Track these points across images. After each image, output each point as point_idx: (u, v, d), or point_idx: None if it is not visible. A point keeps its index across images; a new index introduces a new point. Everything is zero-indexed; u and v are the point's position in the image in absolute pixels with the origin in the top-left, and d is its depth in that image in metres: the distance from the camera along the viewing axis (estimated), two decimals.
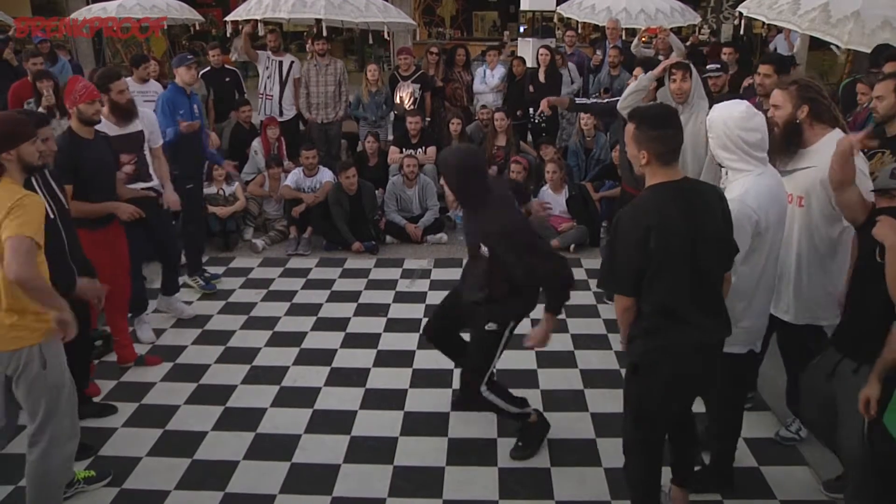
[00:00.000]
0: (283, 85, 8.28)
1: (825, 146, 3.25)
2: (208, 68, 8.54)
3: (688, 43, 10.84)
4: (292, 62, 8.41)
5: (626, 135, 2.86)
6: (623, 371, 4.55)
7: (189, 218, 5.94)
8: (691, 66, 4.57)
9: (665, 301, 2.74)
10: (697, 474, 3.42)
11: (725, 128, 3.01)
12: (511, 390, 3.90)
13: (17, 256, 2.75)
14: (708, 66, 6.35)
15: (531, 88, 8.40)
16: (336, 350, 5.02)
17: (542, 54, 8.37)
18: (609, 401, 4.27)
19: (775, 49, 9.35)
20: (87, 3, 11.02)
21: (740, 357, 3.20)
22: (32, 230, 2.81)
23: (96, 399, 4.32)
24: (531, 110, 8.50)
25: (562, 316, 5.41)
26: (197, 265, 6.14)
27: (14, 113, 3.55)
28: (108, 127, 4.69)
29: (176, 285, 5.57)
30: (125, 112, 4.84)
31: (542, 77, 8.38)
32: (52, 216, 3.40)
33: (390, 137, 8.61)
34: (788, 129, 3.33)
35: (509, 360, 4.65)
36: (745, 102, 3.13)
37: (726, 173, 3.18)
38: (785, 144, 3.34)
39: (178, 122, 5.65)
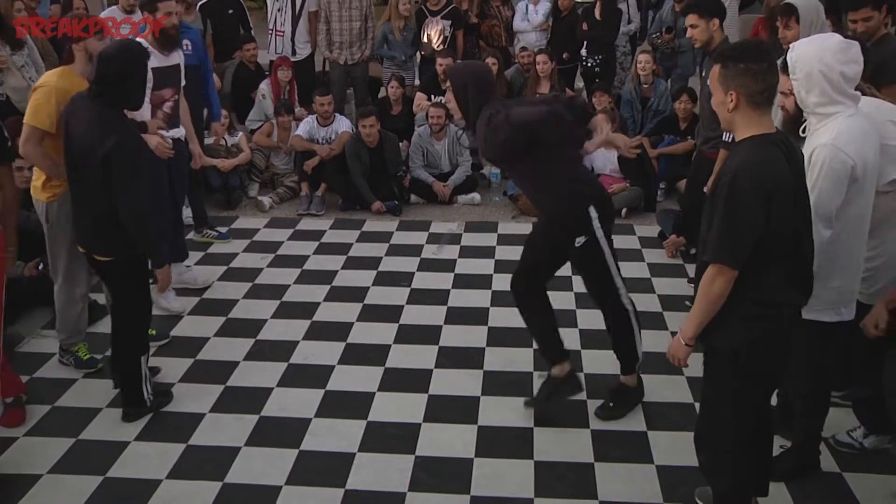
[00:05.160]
0: (296, 19, 8.18)
1: None
2: None
3: None
4: None
5: (710, 83, 2.75)
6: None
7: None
8: (798, 8, 4.30)
9: (780, 277, 2.67)
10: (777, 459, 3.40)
11: (822, 65, 2.88)
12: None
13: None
14: None
15: (584, 26, 8.31)
16: (352, 324, 5.01)
17: None
18: (664, 388, 4.22)
19: None
20: None
21: (828, 325, 3.08)
22: (30, 118, 3.97)
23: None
24: (584, 51, 8.40)
25: None
26: (202, 218, 6.21)
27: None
28: (153, 56, 4.63)
29: (184, 251, 5.56)
30: (171, 39, 4.87)
31: (598, 13, 8.28)
32: None
33: (417, 82, 8.52)
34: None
35: None
36: (833, 34, 3.02)
37: (803, 128, 3.08)
38: None
39: None
